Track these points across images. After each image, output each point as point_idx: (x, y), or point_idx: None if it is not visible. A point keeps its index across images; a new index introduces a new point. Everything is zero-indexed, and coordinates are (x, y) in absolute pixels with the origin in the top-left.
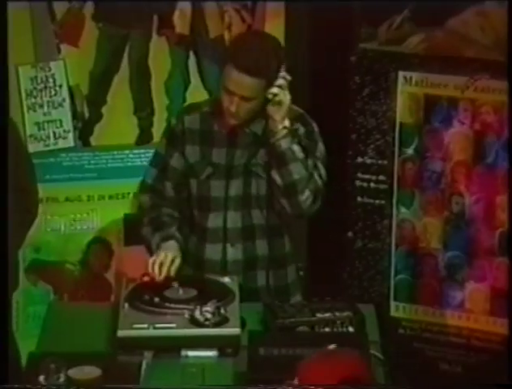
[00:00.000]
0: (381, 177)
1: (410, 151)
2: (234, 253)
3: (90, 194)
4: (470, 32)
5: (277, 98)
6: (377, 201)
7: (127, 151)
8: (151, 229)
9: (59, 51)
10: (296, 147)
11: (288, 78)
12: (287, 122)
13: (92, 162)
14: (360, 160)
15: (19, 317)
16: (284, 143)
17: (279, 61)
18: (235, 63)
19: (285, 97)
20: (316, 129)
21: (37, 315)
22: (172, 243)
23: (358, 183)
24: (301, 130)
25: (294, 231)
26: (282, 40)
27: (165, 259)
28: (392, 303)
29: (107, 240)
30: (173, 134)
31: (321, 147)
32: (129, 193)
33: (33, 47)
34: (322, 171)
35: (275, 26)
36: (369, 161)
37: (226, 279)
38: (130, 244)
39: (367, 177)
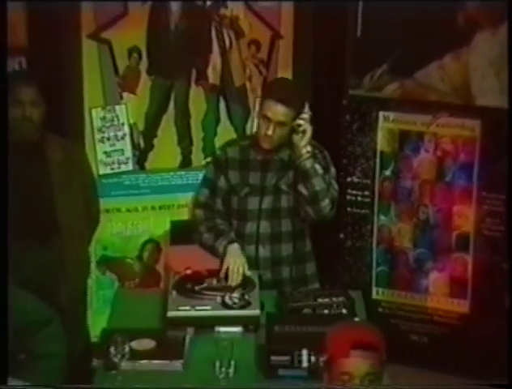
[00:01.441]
0: (366, 193)
1: (388, 172)
2: (264, 253)
3: (144, 206)
4: (432, 82)
5: (302, 128)
6: (363, 211)
7: (172, 173)
8: (213, 236)
9: (121, 97)
10: (317, 166)
11: (310, 113)
12: (309, 147)
13: (146, 181)
14: (349, 179)
15: (92, 300)
16: (308, 163)
17: (304, 99)
18: (273, 96)
19: (308, 127)
20: (327, 155)
21: (106, 298)
22: (236, 246)
23: (348, 197)
24: (318, 154)
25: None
26: None
27: (237, 267)
28: (374, 288)
29: (157, 240)
30: (219, 162)
31: (332, 167)
32: (173, 204)
33: (102, 94)
34: (335, 185)
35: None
36: (356, 180)
37: (249, 273)
38: (175, 244)
39: (354, 192)
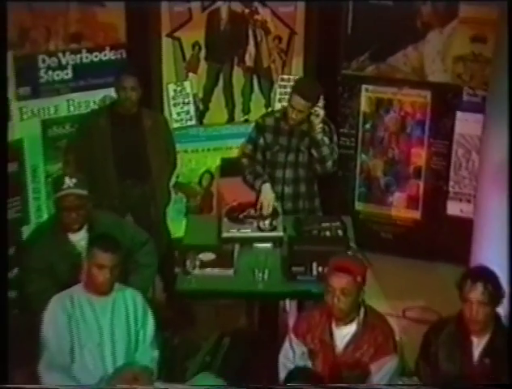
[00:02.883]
0: (352, 139)
1: (367, 126)
2: (287, 190)
3: (203, 148)
4: (398, 65)
5: (316, 112)
6: (350, 151)
7: (221, 126)
8: (253, 177)
9: (187, 76)
10: (325, 138)
11: (323, 102)
12: (320, 125)
13: (204, 132)
14: (341, 130)
15: (170, 212)
16: (319, 136)
17: (319, 93)
18: (297, 92)
19: (321, 112)
20: (333, 127)
21: (179, 210)
22: (268, 185)
23: (340, 143)
24: (326, 128)
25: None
26: (302, 72)
27: (268, 201)
28: (356, 202)
29: (212, 172)
30: (260, 127)
31: (335, 137)
32: (222, 147)
33: (175, 74)
34: (336, 150)
35: (299, 61)
36: (345, 131)
37: (276, 205)
38: (223, 175)
39: (344, 139)
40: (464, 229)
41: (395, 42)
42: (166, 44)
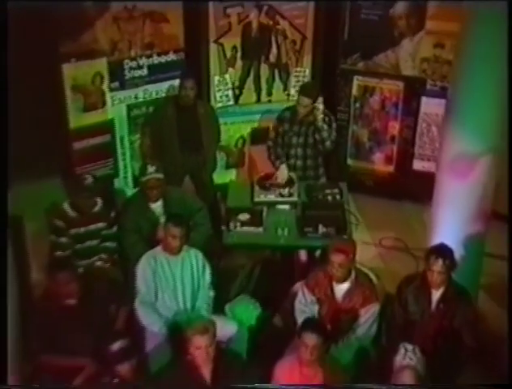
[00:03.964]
0: (345, 115)
1: (357, 105)
2: (299, 163)
3: (238, 121)
4: (381, 63)
5: (317, 107)
6: (344, 123)
7: (251, 105)
8: (275, 157)
9: (227, 70)
10: (325, 126)
11: (322, 98)
12: (321, 115)
13: (239, 109)
14: (338, 108)
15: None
16: (320, 124)
17: (318, 94)
18: (302, 93)
19: (321, 107)
20: (332, 117)
21: (221, 166)
22: (284, 166)
23: (338, 117)
24: (326, 118)
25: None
26: (310, 66)
27: (285, 174)
28: (348, 159)
29: (245, 137)
30: (280, 119)
31: (334, 124)
32: (252, 120)
33: (219, 68)
34: (334, 133)
35: (309, 59)
36: (341, 109)
37: (292, 175)
38: (253, 143)
39: (340, 114)
40: (425, 180)
41: (379, 46)
42: (213, 48)
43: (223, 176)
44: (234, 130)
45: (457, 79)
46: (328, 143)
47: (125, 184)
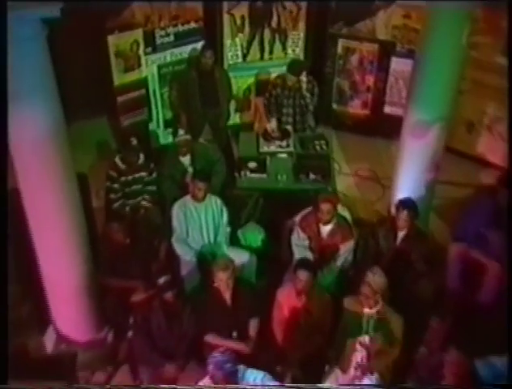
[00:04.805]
0: (331, 69)
1: (341, 62)
2: (290, 119)
3: (246, 75)
4: (361, 29)
5: (302, 79)
6: (330, 76)
7: (256, 62)
8: (268, 113)
9: (237, 35)
10: (308, 94)
11: (305, 74)
12: (305, 84)
13: (247, 66)
14: (326, 63)
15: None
16: (305, 91)
17: (302, 69)
18: (289, 70)
19: (304, 79)
20: (315, 83)
21: (234, 109)
22: (274, 120)
23: (326, 70)
24: (309, 85)
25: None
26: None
27: (282, 128)
28: (333, 104)
29: (250, 87)
30: (274, 83)
31: (316, 90)
32: (257, 74)
33: (230, 33)
34: (316, 99)
35: (303, 25)
36: (328, 64)
37: (288, 127)
38: (258, 94)
39: (327, 69)
40: (394, 121)
41: (359, 16)
42: (225, 17)
43: (234, 118)
44: (242, 82)
45: (422, 45)
46: (311, 107)
47: (157, 127)
